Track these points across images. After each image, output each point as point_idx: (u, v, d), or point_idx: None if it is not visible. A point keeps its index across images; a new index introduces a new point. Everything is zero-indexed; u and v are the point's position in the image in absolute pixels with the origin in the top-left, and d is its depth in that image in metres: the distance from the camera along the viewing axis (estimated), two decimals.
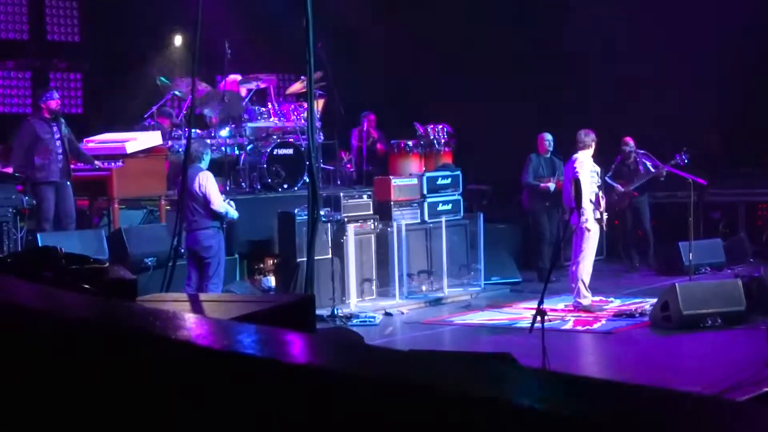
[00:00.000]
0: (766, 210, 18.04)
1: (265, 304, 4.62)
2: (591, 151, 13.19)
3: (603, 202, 13.13)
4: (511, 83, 19.86)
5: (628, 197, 16.90)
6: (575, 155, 13.19)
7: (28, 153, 13.05)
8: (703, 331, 11.39)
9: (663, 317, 11.89)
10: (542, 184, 15.81)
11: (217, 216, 12.12)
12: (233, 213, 12.38)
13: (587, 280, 13.05)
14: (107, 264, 5.83)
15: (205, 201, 11.97)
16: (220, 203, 12.11)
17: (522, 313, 12.78)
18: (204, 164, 12.28)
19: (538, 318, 8.77)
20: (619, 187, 16.79)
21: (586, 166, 13.01)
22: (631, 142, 16.74)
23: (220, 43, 15.83)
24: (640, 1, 19.85)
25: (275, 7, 16.32)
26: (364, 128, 17.49)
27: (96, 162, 13.70)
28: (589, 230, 12.90)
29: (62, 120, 13.39)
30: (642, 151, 16.84)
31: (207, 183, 12.03)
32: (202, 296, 6.25)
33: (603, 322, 12.45)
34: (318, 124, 15.92)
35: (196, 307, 4.58)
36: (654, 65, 19.65)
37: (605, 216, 13.19)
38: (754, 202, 18.13)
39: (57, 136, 13.21)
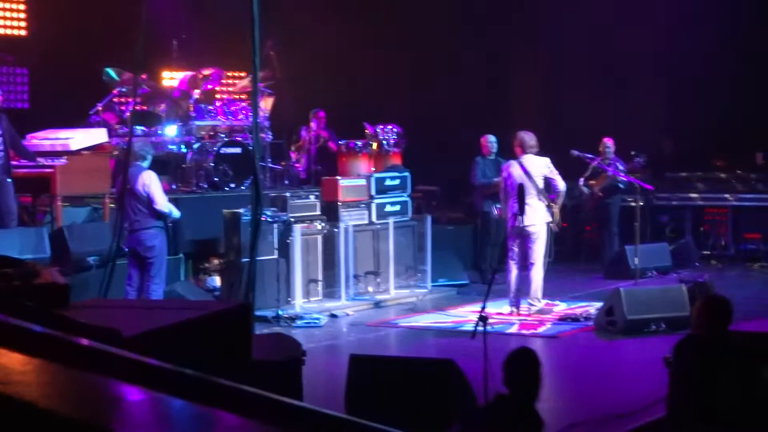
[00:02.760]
0: (712, 214, 18.12)
1: (199, 311, 4.52)
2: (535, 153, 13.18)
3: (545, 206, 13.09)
4: (460, 83, 19.87)
5: (594, 200, 16.93)
6: (522, 158, 13.10)
7: None
8: (647, 336, 11.40)
9: (608, 322, 11.90)
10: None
11: (160, 216, 12.01)
12: (176, 213, 12.29)
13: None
14: (39, 267, 5.70)
15: (149, 201, 11.85)
16: (163, 203, 12.01)
17: (467, 316, 12.72)
18: (146, 164, 12.15)
19: (481, 323, 8.70)
20: (585, 190, 16.81)
21: (537, 168, 12.99)
22: (610, 143, 16.71)
23: (168, 39, 15.70)
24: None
25: (224, 4, 16.15)
26: (314, 127, 17.37)
27: (38, 158, 13.51)
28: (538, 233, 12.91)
29: (4, 115, 13.18)
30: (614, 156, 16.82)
31: (151, 182, 11.91)
32: (136, 303, 6.14)
33: (548, 326, 12.44)
34: (266, 123, 15.82)
35: (130, 315, 4.49)
36: (603, 66, 19.70)
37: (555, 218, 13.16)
38: (700, 207, 18.21)
39: (0, 131, 12.99)
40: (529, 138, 13.18)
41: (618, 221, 16.96)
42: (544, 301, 13.25)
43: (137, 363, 2.52)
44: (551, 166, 13.12)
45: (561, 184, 13.10)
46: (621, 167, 16.68)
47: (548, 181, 13.01)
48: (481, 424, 6.10)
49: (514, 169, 13.09)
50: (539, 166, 13.02)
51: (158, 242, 12.09)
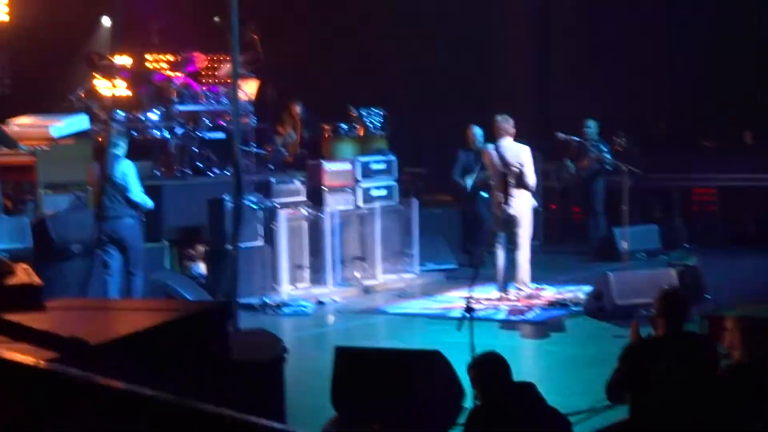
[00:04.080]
0: (701, 195, 18.01)
1: (175, 313, 4.38)
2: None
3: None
4: (446, 65, 19.73)
5: (579, 181, 16.85)
6: (500, 142, 12.92)
7: None
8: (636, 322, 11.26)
9: (597, 307, 11.81)
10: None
11: (134, 205, 11.83)
12: (150, 203, 12.10)
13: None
14: (13, 266, 5.54)
15: (125, 190, 11.71)
16: (138, 193, 11.84)
17: (455, 302, 12.59)
18: (121, 151, 11.94)
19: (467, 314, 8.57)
20: (571, 167, 16.72)
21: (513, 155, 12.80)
22: (593, 125, 16.62)
23: (150, 22, 15.52)
24: None
25: None
26: (298, 111, 17.18)
27: (20, 144, 13.33)
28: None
29: None
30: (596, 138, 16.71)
31: (129, 173, 11.76)
32: (110, 304, 5.99)
33: (537, 311, 12.32)
34: (250, 107, 15.65)
35: (101, 319, 4.35)
36: (596, 48, 19.60)
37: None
38: (689, 187, 18.09)
39: None
40: (503, 121, 12.98)
41: (604, 203, 16.83)
42: (533, 286, 13.14)
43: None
44: (526, 158, 12.80)
45: (530, 179, 12.81)
46: (604, 149, 16.57)
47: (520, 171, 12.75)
48: None
49: (491, 154, 12.96)
50: (516, 154, 12.81)
51: (134, 232, 11.96)
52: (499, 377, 5.89)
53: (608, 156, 16.45)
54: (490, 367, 5.99)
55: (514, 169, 12.61)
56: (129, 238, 11.84)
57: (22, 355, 2.68)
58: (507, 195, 11.47)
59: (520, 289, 12.92)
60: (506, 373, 5.95)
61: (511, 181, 12.54)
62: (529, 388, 5.92)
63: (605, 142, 16.74)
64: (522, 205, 12.73)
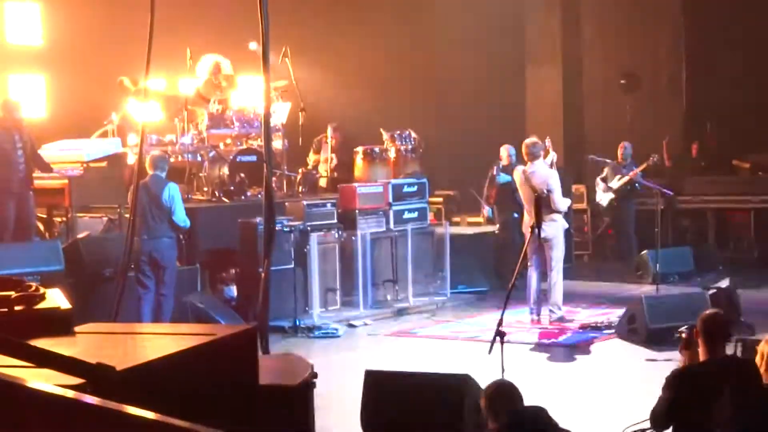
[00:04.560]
0: (735, 217, 17.89)
1: (204, 338, 4.37)
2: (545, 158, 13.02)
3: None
4: (478, 89, 19.76)
5: (608, 202, 16.88)
6: (528, 165, 12.92)
7: None
8: (669, 345, 11.19)
9: (629, 330, 11.74)
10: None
11: (176, 227, 12.04)
12: (188, 224, 12.29)
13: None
14: (44, 290, 5.56)
15: (170, 212, 11.95)
16: (183, 216, 12.08)
17: (486, 325, 12.53)
18: (164, 173, 12.19)
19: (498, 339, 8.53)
20: (601, 187, 16.76)
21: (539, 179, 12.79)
22: (628, 146, 16.66)
23: (182, 48, 15.59)
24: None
25: (238, 11, 16.01)
26: (330, 138, 17.18)
27: (53, 168, 13.41)
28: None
29: (25, 127, 13.12)
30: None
31: (175, 195, 12.09)
32: (138, 328, 6.01)
33: (568, 334, 12.27)
34: (282, 130, 15.68)
35: (129, 344, 4.36)
36: (622, 69, 19.55)
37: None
38: (723, 209, 17.97)
39: (19, 145, 12.94)
40: (531, 145, 12.97)
41: (634, 224, 16.82)
42: (565, 309, 13.08)
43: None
44: (554, 182, 12.77)
45: (560, 204, 12.79)
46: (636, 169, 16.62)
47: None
48: None
49: (517, 176, 13.01)
50: (543, 179, 12.77)
51: (173, 253, 12.23)
52: (510, 405, 5.88)
53: (640, 178, 16.44)
54: (500, 396, 5.99)
55: (542, 193, 12.57)
56: (167, 258, 12.07)
57: (47, 383, 2.69)
58: (539, 218, 11.41)
59: (552, 312, 12.87)
60: (517, 401, 5.95)
61: (541, 204, 12.51)
62: (540, 412, 5.89)
63: (637, 164, 16.70)
64: (553, 227, 12.69)
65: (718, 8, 19.04)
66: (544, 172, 12.81)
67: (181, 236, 12.41)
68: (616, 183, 16.84)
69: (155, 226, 11.98)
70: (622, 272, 16.42)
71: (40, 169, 13.34)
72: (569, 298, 13.47)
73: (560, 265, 12.90)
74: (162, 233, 12.03)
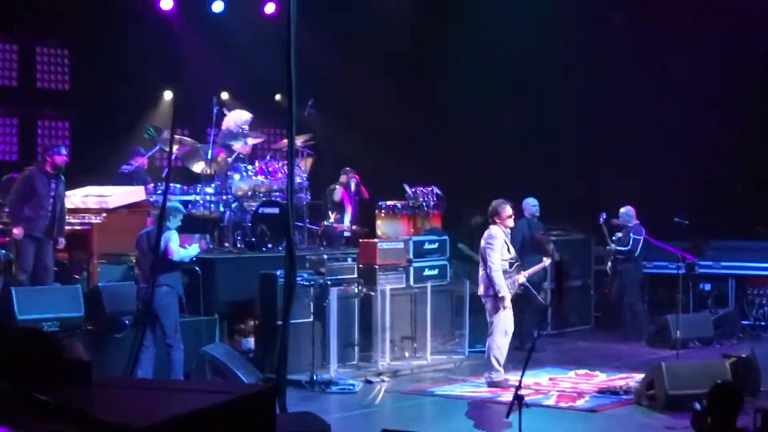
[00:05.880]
0: (756, 284, 17.78)
1: (223, 396, 4.36)
2: (503, 223, 12.99)
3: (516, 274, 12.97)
4: (497, 145, 19.81)
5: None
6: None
7: (21, 203, 12.91)
8: (689, 412, 11.08)
9: (648, 396, 11.64)
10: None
11: (173, 268, 11.87)
12: (192, 251, 12.21)
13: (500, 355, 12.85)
14: (65, 342, 5.56)
15: (164, 255, 11.68)
16: (177, 253, 11.86)
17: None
18: (172, 224, 11.95)
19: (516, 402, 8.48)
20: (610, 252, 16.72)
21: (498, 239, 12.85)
22: (632, 211, 16.61)
23: (209, 98, 15.70)
24: (632, 67, 19.78)
25: (265, 64, 16.13)
26: (353, 188, 17.21)
27: (60, 240, 13.35)
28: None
29: (63, 178, 13.19)
30: (637, 222, 16.64)
31: (170, 239, 11.83)
32: (155, 384, 5.99)
33: (587, 398, 12.17)
34: (305, 183, 15.72)
35: (146, 400, 4.34)
36: (647, 134, 19.56)
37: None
38: (744, 276, 17.87)
39: (53, 193, 13.04)
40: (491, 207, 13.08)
41: (638, 288, 16.72)
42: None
43: None
44: (487, 239, 12.88)
45: (488, 261, 12.82)
46: (636, 237, 16.51)
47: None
48: None
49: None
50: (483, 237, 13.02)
51: (169, 301, 11.87)
52: None
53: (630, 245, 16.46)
54: None
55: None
56: (162, 307, 11.68)
57: None
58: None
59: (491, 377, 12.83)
60: None
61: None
62: None
63: (644, 228, 16.62)
64: (482, 291, 12.92)
65: None
66: (487, 230, 12.96)
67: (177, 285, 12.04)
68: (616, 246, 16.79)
69: (151, 275, 11.52)
70: (638, 337, 16.30)
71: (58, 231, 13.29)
72: (588, 361, 13.37)
73: (493, 327, 12.90)
74: (160, 282, 11.58)
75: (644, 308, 16.95)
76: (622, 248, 16.57)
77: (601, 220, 16.39)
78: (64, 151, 13.34)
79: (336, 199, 16.94)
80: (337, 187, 16.89)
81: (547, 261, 13.94)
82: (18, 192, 13.04)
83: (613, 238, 16.67)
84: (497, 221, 12.91)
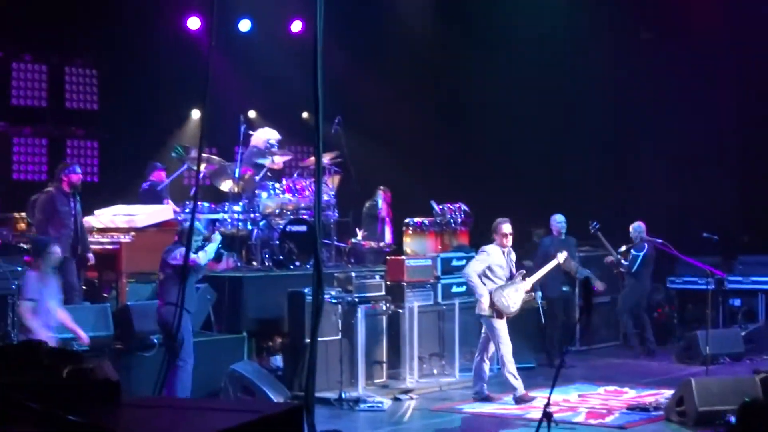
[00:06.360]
0: None
1: (249, 414, 4.36)
2: (500, 241, 13.06)
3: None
4: (529, 163, 19.78)
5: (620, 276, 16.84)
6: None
7: (46, 223, 13.00)
8: (719, 428, 11.03)
9: (678, 412, 11.57)
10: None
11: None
12: (211, 247, 11.99)
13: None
14: (95, 362, 5.58)
15: (176, 272, 11.34)
16: (201, 258, 11.71)
17: (532, 402, 12.48)
18: (195, 244, 11.81)
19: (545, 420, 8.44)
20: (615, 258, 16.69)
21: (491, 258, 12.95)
22: (642, 226, 16.55)
23: (237, 117, 15.75)
24: (660, 84, 19.74)
25: (292, 82, 16.21)
26: (381, 205, 17.25)
27: (89, 256, 13.43)
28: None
29: (78, 196, 13.28)
30: (649, 238, 16.57)
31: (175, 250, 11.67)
32: (182, 403, 6.00)
33: (616, 414, 12.11)
34: (332, 200, 15.74)
35: (172, 419, 4.35)
36: (675, 149, 19.51)
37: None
38: None
39: (73, 211, 13.12)
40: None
41: (633, 304, 16.67)
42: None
43: None
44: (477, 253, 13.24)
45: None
46: (637, 253, 16.49)
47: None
48: None
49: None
50: None
51: (179, 319, 11.72)
52: None
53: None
54: None
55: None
56: (170, 325, 11.22)
57: None
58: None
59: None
60: None
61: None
62: None
63: (644, 245, 16.54)
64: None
65: None
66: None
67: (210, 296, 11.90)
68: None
69: (166, 291, 11.60)
70: (671, 352, 16.24)
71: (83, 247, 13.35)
72: (617, 377, 13.29)
73: (494, 344, 13.07)
74: (170, 299, 11.36)
75: (645, 322, 16.83)
76: (624, 262, 16.56)
77: (592, 229, 16.33)
78: (78, 169, 13.46)
79: (376, 214, 17.00)
80: (378, 201, 17.01)
81: (552, 264, 13.83)
82: (42, 212, 13.13)
83: (619, 250, 16.64)
84: (495, 239, 12.97)
